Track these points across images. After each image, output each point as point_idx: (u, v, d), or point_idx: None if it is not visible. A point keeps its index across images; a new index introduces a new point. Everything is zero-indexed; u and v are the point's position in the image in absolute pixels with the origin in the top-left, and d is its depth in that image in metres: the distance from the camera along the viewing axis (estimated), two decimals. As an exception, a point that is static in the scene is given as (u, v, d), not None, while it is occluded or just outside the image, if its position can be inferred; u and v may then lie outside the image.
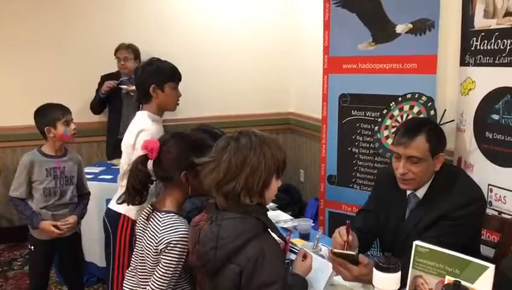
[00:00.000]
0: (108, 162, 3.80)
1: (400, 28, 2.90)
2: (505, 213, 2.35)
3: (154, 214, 1.67)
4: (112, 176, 3.37)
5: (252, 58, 4.65)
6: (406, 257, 1.43)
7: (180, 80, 2.36)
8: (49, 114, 2.57)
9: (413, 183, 1.82)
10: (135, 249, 1.77)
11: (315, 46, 3.96)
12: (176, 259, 1.56)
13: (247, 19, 4.69)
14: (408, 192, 1.89)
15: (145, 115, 2.26)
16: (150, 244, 1.61)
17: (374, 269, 1.33)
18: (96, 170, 3.58)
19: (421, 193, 1.86)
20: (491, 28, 2.45)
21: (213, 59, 4.58)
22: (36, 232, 2.58)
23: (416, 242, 1.38)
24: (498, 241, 2.11)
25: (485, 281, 1.23)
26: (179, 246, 1.56)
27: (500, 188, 2.39)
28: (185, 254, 1.57)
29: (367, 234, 1.93)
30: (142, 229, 1.73)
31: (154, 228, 1.62)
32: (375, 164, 3.11)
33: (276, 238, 1.52)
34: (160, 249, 1.56)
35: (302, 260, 1.63)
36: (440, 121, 2.64)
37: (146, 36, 4.25)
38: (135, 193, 1.69)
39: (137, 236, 1.77)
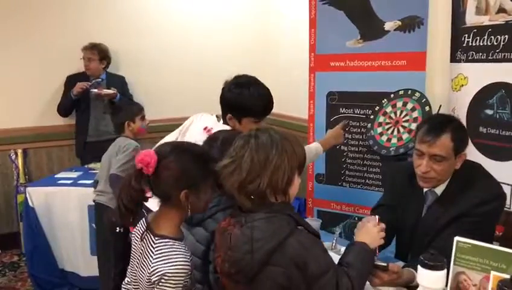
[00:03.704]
0: (86, 166, 3.62)
1: (388, 25, 2.91)
2: (501, 207, 2.39)
3: (148, 235, 1.49)
4: (92, 180, 3.20)
5: (228, 57, 4.56)
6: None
7: (266, 114, 2.14)
8: (129, 109, 2.90)
9: (434, 181, 1.80)
10: (131, 263, 1.60)
11: (296, 43, 3.94)
12: None
13: (224, 16, 4.62)
14: (425, 188, 1.88)
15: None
16: (142, 271, 1.46)
17: (420, 268, 1.30)
18: (74, 174, 3.42)
19: (439, 189, 1.83)
20: (483, 24, 2.49)
21: (189, 58, 4.48)
22: None
23: (457, 238, 1.36)
24: (502, 234, 2.14)
25: (535, 275, 1.22)
26: (173, 278, 1.39)
27: (496, 181, 2.44)
28: (182, 285, 1.41)
29: (387, 230, 1.90)
30: (136, 245, 1.55)
31: (147, 254, 1.45)
32: (365, 161, 3.11)
33: None
34: (153, 281, 1.40)
35: None
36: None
37: (115, 36, 4.10)
38: (128, 213, 1.45)
39: (132, 250, 1.59)
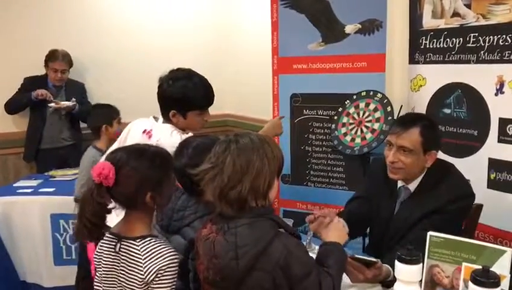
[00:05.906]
0: (46, 174, 3.51)
1: (348, 29, 2.99)
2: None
3: (125, 243, 1.47)
4: (54, 189, 3.14)
5: (190, 59, 4.39)
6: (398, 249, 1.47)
7: (209, 104, 2.11)
8: (106, 113, 2.85)
9: (401, 172, 1.85)
10: (102, 278, 1.55)
11: (259, 46, 3.96)
12: (169, 285, 1.42)
13: (185, 19, 4.60)
14: (399, 184, 1.93)
15: (170, 131, 1.99)
16: (132, 278, 1.44)
17: (397, 262, 1.35)
18: (34, 183, 3.30)
19: (412, 186, 1.89)
20: (439, 27, 2.61)
21: (148, 61, 4.38)
22: None
23: (430, 233, 1.42)
24: (464, 227, 2.25)
25: (503, 265, 1.30)
26: (168, 271, 1.41)
27: (455, 177, 2.55)
28: (176, 275, 1.44)
29: (360, 220, 1.95)
30: (109, 261, 1.51)
31: (133, 259, 1.44)
32: (329, 161, 3.18)
33: None
34: (149, 280, 1.41)
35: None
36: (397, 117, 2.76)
37: (74, 40, 4.00)
38: (94, 228, 1.42)
39: (103, 270, 1.53)
